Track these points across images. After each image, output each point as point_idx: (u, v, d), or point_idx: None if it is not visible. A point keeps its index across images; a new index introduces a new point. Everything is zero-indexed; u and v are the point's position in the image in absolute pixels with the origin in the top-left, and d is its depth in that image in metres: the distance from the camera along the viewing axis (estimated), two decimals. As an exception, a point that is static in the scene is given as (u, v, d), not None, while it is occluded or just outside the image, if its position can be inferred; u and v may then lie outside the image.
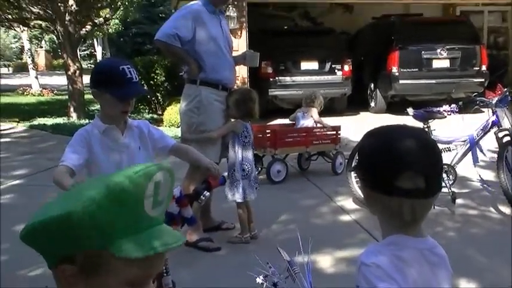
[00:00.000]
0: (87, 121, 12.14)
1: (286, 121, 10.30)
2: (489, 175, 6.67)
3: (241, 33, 13.23)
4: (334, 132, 7.80)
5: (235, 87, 5.80)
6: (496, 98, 6.18)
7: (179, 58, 5.38)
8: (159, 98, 14.49)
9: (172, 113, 12.16)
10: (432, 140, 1.69)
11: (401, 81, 13.11)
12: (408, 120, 6.50)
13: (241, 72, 11.68)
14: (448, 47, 13.21)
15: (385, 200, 1.61)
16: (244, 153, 5.26)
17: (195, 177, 4.85)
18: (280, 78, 13.03)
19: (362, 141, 1.72)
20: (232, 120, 5.37)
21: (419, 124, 6.18)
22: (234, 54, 5.68)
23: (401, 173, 1.56)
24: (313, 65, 13.34)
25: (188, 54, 5.19)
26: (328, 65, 13.32)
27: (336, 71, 13.29)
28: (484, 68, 13.42)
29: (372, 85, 14.20)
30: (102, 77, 2.95)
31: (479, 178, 6.24)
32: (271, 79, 12.93)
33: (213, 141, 5.22)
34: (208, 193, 3.00)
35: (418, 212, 1.60)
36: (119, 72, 2.87)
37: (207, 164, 3.26)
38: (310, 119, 7.91)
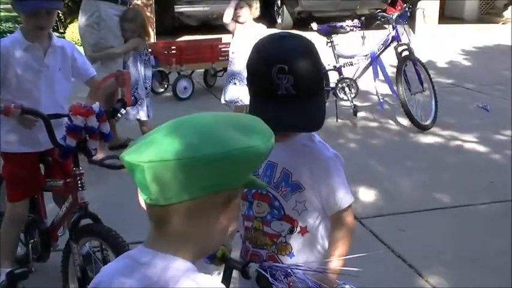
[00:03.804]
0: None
1: (193, 37, 10.20)
2: (389, 89, 6.89)
3: None
4: (241, 48, 7.77)
5: (135, 1, 5.64)
6: (396, 14, 6.32)
7: None
8: (60, 15, 13.87)
9: (75, 30, 11.70)
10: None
11: (308, -2, 13.14)
12: (313, 35, 6.57)
13: (146, -13, 11.34)
14: (353, -36, 13.27)
15: None
16: (145, 71, 5.21)
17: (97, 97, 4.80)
18: (186, -7, 12.73)
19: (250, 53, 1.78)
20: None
21: (323, 39, 6.26)
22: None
23: None
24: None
25: None
26: (237, -19, 13.06)
27: (243, -14, 13.08)
28: (387, -15, 13.60)
29: (279, 1, 14.14)
30: None
31: (377, 92, 6.43)
32: (177, -5, 12.61)
33: (116, 58, 5.13)
34: (124, 110, 3.02)
35: None
36: None
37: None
38: None
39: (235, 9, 5.36)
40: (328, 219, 1.86)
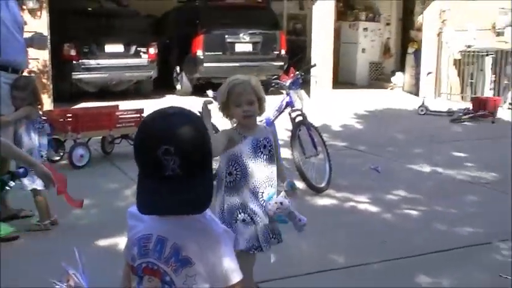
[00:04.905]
0: None
1: (92, 104, 10.11)
2: (284, 153, 7.06)
3: (41, 13, 12.60)
4: (138, 115, 7.79)
5: (31, 68, 5.57)
6: (289, 81, 6.58)
7: None
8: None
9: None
10: None
11: (205, 64, 13.44)
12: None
13: (42, 54, 11.17)
14: (250, 31, 13.80)
15: None
16: (40, 139, 5.11)
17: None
18: (84, 61, 12.67)
19: None
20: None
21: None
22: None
23: None
24: (118, 48, 13.15)
25: None
26: (133, 48, 13.21)
27: (142, 54, 13.24)
28: (283, 52, 14.22)
29: (178, 68, 14.36)
30: None
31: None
32: (74, 62, 12.54)
33: (6, 127, 5.01)
34: (13, 183, 2.95)
35: None
36: None
37: (34, 162, 3.18)
38: None
39: (238, 104, 3.23)
40: None
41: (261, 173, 3.23)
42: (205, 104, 3.38)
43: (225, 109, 3.29)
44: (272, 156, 3.28)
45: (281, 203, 3.20)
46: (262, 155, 3.25)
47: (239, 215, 3.25)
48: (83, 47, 12.68)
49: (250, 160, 3.24)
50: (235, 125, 3.35)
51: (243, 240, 3.23)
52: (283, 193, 3.26)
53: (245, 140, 3.26)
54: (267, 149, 3.28)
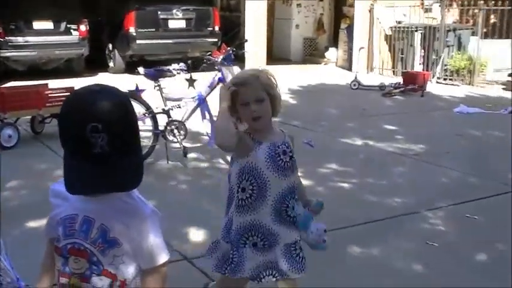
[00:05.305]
0: None
1: (20, 83, 9.82)
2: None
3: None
4: (68, 94, 7.60)
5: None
6: (221, 57, 6.56)
7: None
8: None
9: None
10: None
11: (138, 41, 13.25)
12: (141, 79, 6.62)
13: (-34, 32, 10.79)
14: (183, 7, 13.65)
15: None
16: None
17: None
18: (11, 38, 12.26)
19: None
20: None
21: (151, 83, 6.33)
22: None
23: None
24: (48, 25, 12.79)
25: None
26: (63, 25, 12.88)
27: (72, 31, 12.92)
28: (217, 28, 14.16)
29: (110, 45, 14.10)
30: None
31: (207, 133, 6.61)
32: (1, 39, 12.12)
33: None
34: None
35: None
36: None
37: None
38: None
39: (245, 103, 2.70)
40: (143, 272, 1.85)
41: (284, 184, 2.75)
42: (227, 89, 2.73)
43: (234, 111, 2.71)
44: (294, 162, 2.80)
45: (324, 231, 2.86)
46: (282, 163, 2.72)
47: (250, 238, 2.78)
48: (9, 23, 12.24)
49: (268, 170, 2.71)
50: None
51: (249, 267, 2.77)
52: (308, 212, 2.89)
53: (260, 147, 2.71)
54: (287, 155, 2.76)
